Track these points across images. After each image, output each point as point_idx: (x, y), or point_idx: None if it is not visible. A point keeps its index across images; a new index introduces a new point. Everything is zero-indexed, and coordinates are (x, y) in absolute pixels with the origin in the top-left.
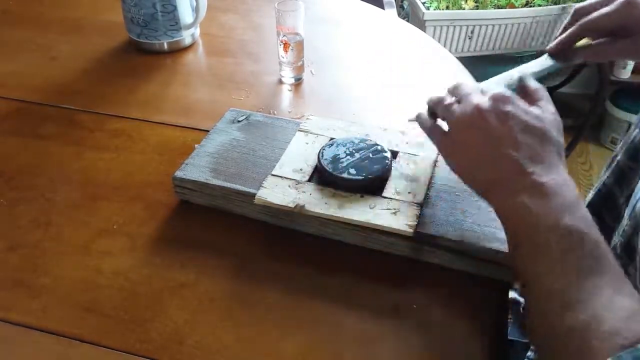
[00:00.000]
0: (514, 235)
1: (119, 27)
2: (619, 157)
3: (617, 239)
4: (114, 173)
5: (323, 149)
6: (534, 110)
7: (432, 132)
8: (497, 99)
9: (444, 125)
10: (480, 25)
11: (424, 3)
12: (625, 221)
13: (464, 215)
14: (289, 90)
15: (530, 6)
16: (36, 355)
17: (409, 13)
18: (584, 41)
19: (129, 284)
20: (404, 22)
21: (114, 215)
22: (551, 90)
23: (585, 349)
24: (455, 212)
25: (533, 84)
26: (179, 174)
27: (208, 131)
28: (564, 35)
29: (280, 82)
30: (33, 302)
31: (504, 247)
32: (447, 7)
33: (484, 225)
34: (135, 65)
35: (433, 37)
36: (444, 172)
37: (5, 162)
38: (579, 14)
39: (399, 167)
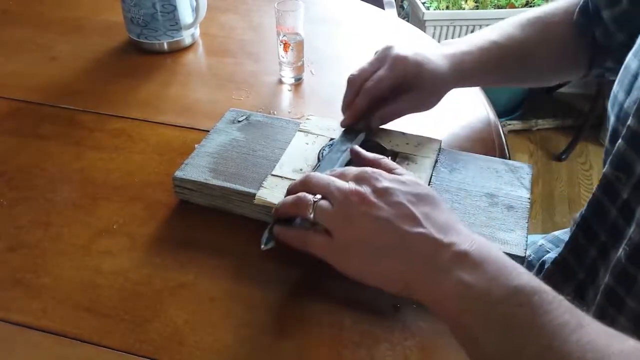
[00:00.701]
0: (458, 321)
1: (119, 27)
2: (604, 169)
3: (620, 249)
4: (114, 173)
5: (323, 149)
6: (404, 177)
7: (310, 243)
8: (365, 178)
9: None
10: (480, 25)
11: (424, 3)
12: (632, 228)
13: (463, 215)
14: (289, 90)
15: (530, 6)
16: (36, 355)
17: (409, 13)
18: None
19: (129, 284)
20: (404, 22)
21: (114, 215)
22: (551, 90)
23: None
24: (454, 212)
25: (372, 155)
26: (178, 174)
27: (208, 131)
28: (353, 108)
29: (280, 82)
30: (33, 302)
31: (503, 248)
32: (447, 7)
33: (483, 225)
34: (135, 65)
35: (433, 37)
36: (444, 172)
37: (5, 162)
38: (356, 84)
39: None
